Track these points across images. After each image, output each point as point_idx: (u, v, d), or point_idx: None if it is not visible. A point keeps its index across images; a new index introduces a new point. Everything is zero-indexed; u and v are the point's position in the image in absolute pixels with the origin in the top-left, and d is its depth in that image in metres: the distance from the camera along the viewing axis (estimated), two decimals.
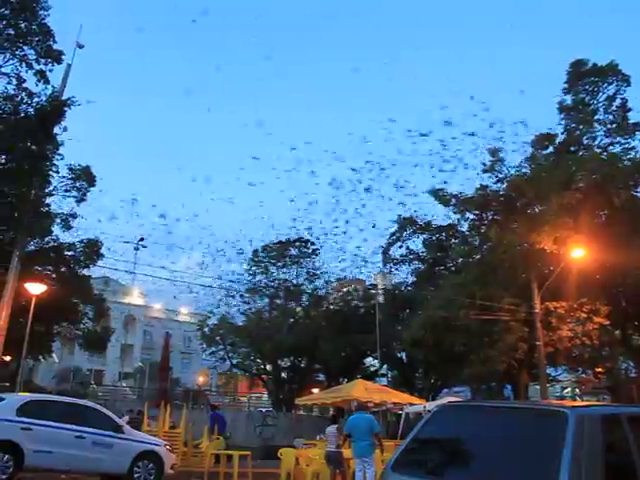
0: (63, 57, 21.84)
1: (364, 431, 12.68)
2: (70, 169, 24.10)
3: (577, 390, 47.13)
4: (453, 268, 36.99)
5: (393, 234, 40.16)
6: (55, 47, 21.42)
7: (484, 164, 31.35)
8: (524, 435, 4.68)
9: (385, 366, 43.23)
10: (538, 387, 29.99)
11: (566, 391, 48.44)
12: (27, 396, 15.09)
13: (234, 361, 47.89)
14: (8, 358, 28.35)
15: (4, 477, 12.25)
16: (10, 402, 13.38)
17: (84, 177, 24.64)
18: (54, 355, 44.12)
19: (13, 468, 12.47)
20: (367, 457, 12.66)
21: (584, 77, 30.41)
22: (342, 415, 16.92)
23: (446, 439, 5.29)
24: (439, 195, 34.22)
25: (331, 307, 45.79)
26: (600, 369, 31.26)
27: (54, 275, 26.62)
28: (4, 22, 20.43)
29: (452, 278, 32.51)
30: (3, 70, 20.82)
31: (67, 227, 26.19)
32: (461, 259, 35.43)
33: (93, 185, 25.15)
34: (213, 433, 20.61)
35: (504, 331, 27.49)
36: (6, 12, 20.34)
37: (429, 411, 5.84)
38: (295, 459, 17.15)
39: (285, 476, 16.75)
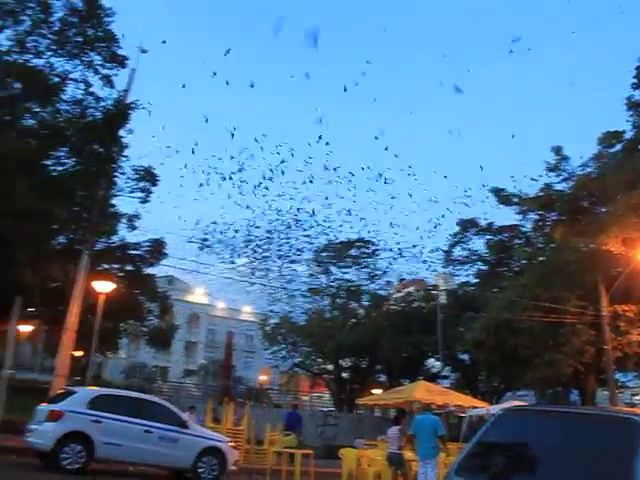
0: (127, 62, 22.46)
1: (429, 433, 12.50)
2: (134, 170, 24.80)
3: None
4: (516, 269, 36.24)
5: (455, 235, 39.69)
6: (119, 52, 22.05)
7: (548, 163, 30.56)
8: (592, 443, 4.53)
9: (447, 368, 42.71)
10: (606, 393, 29.05)
11: (636, 398, 46.71)
12: (97, 390, 15.63)
13: (296, 360, 48.23)
14: (79, 353, 29.37)
15: (77, 467, 12.74)
16: (82, 395, 13.91)
17: (147, 178, 25.30)
18: (121, 351, 45.40)
19: (86, 458, 12.96)
20: (430, 459, 12.49)
21: None
22: (404, 416, 16.77)
23: (511, 444, 5.17)
24: (501, 195, 33.56)
25: (392, 307, 45.53)
26: None
27: (120, 273, 27.38)
28: (74, 30, 21.14)
29: (515, 279, 31.87)
30: (72, 76, 21.56)
31: (132, 227, 26.98)
32: (524, 260, 34.66)
33: (155, 185, 25.79)
34: (288, 430, 20.87)
35: (570, 334, 26.76)
36: (75, 20, 21.04)
37: (493, 415, 5.71)
38: (356, 459, 17.12)
39: (347, 476, 16.74)
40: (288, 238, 42.49)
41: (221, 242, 41.61)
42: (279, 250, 42.64)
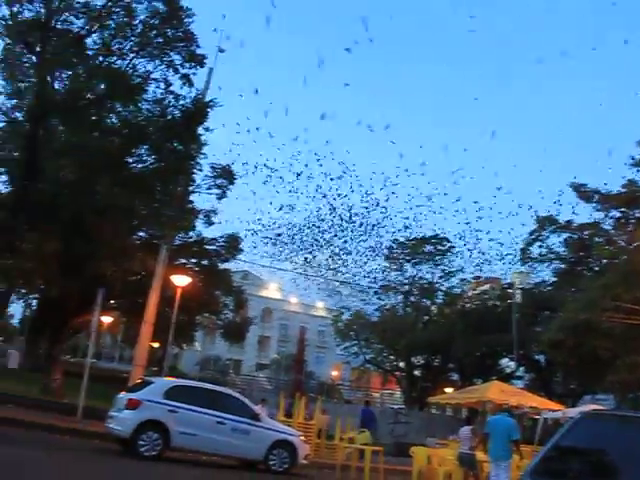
0: (205, 61, 22.94)
1: (503, 435, 12.19)
2: (212, 167, 25.33)
3: None
4: (596, 268, 35.00)
5: (532, 232, 38.68)
6: (198, 52, 22.54)
7: (632, 157, 29.31)
8: None
9: (522, 368, 41.76)
10: None
11: None
12: (173, 381, 16.11)
13: (367, 356, 48.28)
14: (156, 345, 30.31)
15: (154, 454, 13.18)
16: (158, 385, 14.37)
17: (224, 175, 25.81)
18: (196, 344, 46.61)
19: (162, 446, 13.38)
20: (503, 462, 12.17)
21: None
22: (476, 416, 16.50)
23: (589, 449, 5.02)
24: (581, 190, 32.45)
25: (466, 305, 44.89)
26: None
27: (197, 268, 28.01)
28: (155, 31, 21.79)
29: (595, 279, 30.78)
30: (153, 76, 22.22)
31: (209, 223, 27.56)
32: (605, 259, 33.41)
33: (233, 183, 26.29)
34: (363, 427, 20.96)
35: None
36: (156, 22, 21.67)
37: (570, 418, 5.57)
38: (427, 458, 16.98)
39: (417, 474, 16.61)
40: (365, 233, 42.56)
41: (294, 239, 42.06)
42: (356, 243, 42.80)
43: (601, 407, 22.14)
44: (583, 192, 32.43)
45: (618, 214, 32.03)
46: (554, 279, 39.40)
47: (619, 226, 32.66)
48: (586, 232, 36.07)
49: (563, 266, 38.77)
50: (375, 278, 44.59)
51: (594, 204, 32.41)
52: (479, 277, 46.97)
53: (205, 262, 28.89)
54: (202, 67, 22.86)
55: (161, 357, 29.44)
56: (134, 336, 25.03)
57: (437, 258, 45.00)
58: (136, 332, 23.16)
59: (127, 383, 19.08)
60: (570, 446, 5.10)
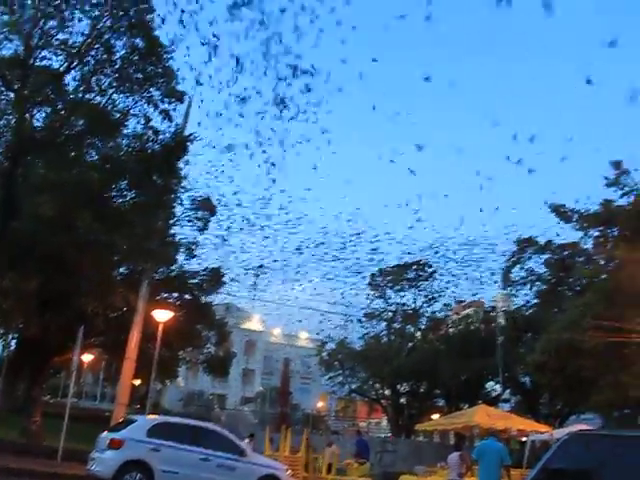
0: (185, 96, 23.14)
1: (493, 460, 12.09)
2: (192, 200, 25.38)
3: None
4: (578, 288, 35.30)
5: (512, 255, 39.00)
6: (178, 87, 22.76)
7: (607, 178, 29.81)
8: None
9: (508, 391, 41.78)
10: None
11: None
12: (156, 418, 15.89)
13: (353, 386, 47.99)
14: (138, 382, 29.89)
15: None
16: (141, 424, 14.15)
17: (205, 207, 25.86)
18: (180, 379, 46.02)
19: None
20: None
21: None
22: (464, 442, 16.42)
23: (577, 470, 5.03)
24: (560, 211, 32.86)
25: (450, 330, 44.96)
26: None
27: (178, 302, 27.82)
28: (133, 67, 21.98)
29: (577, 299, 31.03)
30: (133, 111, 22.37)
31: (190, 256, 27.49)
32: (586, 279, 33.73)
33: (214, 214, 26.35)
34: (358, 457, 20.85)
35: (637, 354, 25.81)
36: (135, 58, 21.87)
37: (557, 439, 5.57)
38: None
39: None
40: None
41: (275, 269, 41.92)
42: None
43: (587, 427, 22.16)
44: (562, 212, 32.81)
45: (597, 233, 32.45)
46: (536, 300, 39.62)
47: (598, 245, 33.06)
48: (566, 252, 36.47)
49: (544, 287, 39.06)
50: (358, 306, 44.72)
51: (573, 224, 32.80)
52: (462, 301, 47.23)
53: (187, 296, 28.72)
54: (182, 103, 23.09)
55: (144, 394, 29.04)
56: (116, 374, 24.75)
57: (420, 284, 45.22)
58: (118, 369, 22.89)
59: (109, 422, 18.79)
60: (558, 468, 5.11)
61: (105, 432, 14.41)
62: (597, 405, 31.46)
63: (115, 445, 13.23)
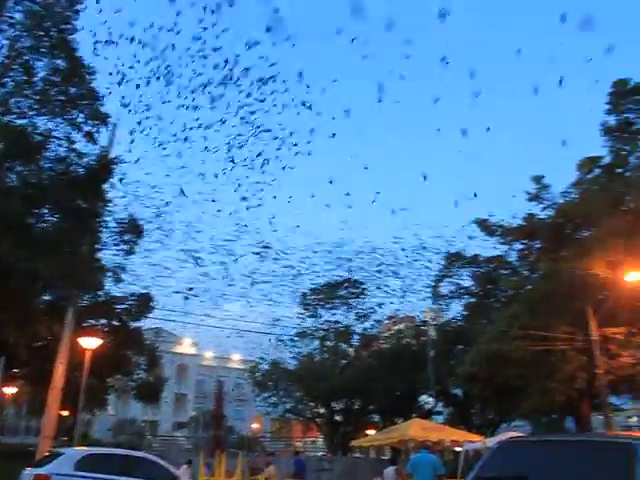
0: (109, 119, 22.73)
1: (427, 472, 12.29)
2: (117, 222, 24.81)
3: None
4: (504, 299, 36.35)
5: (441, 270, 39.81)
6: (102, 109, 22.33)
7: (528, 192, 30.99)
8: (590, 469, 4.53)
9: (440, 403, 42.41)
10: (601, 417, 28.92)
11: (632, 420, 46.58)
12: (85, 450, 15.29)
13: (287, 406, 47.65)
14: (65, 413, 28.76)
15: None
16: (68, 456, 13.57)
17: (131, 230, 25.31)
18: (109, 408, 44.64)
19: None
20: None
21: (627, 97, 29.95)
22: (400, 456, 16.60)
23: (509, 477, 5.15)
24: (484, 225, 33.84)
25: (382, 346, 45.38)
26: None
27: (106, 328, 27.08)
28: (55, 89, 21.40)
29: (503, 310, 31.92)
30: (55, 134, 21.73)
31: (118, 280, 26.79)
32: (512, 290, 34.80)
33: (140, 237, 25.81)
34: (296, 477, 20.76)
35: (561, 361, 26.76)
36: (57, 79, 21.32)
37: (489, 448, 5.70)
38: None
39: None
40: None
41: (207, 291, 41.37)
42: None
43: (518, 434, 22.78)
44: (487, 226, 33.80)
45: (520, 246, 33.58)
46: (465, 313, 40.50)
47: (522, 257, 34.21)
48: (492, 265, 37.53)
49: (473, 300, 40.00)
50: (290, 326, 44.59)
51: (498, 237, 33.83)
52: (393, 317, 47.77)
53: (115, 322, 27.98)
54: (106, 125, 22.64)
55: (71, 425, 27.89)
56: (41, 406, 23.68)
57: (351, 301, 45.53)
58: (43, 401, 21.94)
59: (34, 458, 17.95)
60: (490, 476, 5.22)
61: (29, 468, 13.75)
62: (526, 412, 32.40)
63: None
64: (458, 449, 28.90)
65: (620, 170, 29.60)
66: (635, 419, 46.16)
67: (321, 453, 45.67)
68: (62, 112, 21.57)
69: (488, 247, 36.71)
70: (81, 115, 21.88)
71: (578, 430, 29.59)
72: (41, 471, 12.95)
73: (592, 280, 25.66)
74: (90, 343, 21.08)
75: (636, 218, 25.38)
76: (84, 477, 12.89)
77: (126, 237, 25.08)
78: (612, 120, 30.33)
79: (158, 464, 14.64)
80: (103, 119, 22.32)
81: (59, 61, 21.32)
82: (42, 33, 20.93)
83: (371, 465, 32.88)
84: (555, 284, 26.68)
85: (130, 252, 25.59)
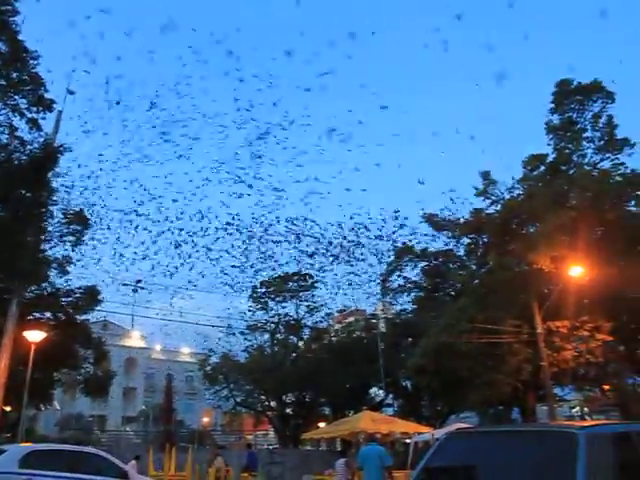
0: (54, 105, 22.08)
1: (375, 464, 12.45)
2: (64, 213, 24.18)
3: (586, 409, 46.70)
4: (452, 293, 36.90)
5: (390, 264, 40.08)
6: (47, 95, 21.66)
7: (476, 188, 31.49)
8: (535, 458, 4.62)
9: (391, 396, 42.88)
10: (546, 408, 29.71)
11: (574, 410, 47.97)
12: (29, 447, 14.89)
13: (238, 399, 47.49)
14: (8, 408, 27.99)
15: None
16: (12, 454, 13.20)
17: (78, 221, 24.71)
18: (55, 403, 43.63)
19: None
20: None
21: (570, 96, 30.76)
22: (350, 448, 16.73)
23: (456, 467, 5.22)
24: (433, 220, 34.27)
25: (333, 339, 45.60)
26: (607, 386, 30.97)
27: (52, 321, 26.43)
28: None
29: (452, 304, 32.41)
30: None
31: (64, 272, 26.15)
32: (460, 284, 35.35)
33: (87, 228, 25.23)
34: (249, 470, 20.70)
35: (507, 353, 27.35)
36: None
37: (437, 439, 5.77)
38: None
39: None
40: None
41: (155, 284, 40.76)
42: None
43: (465, 425, 23.21)
44: (435, 222, 34.22)
45: (468, 240, 34.13)
46: (414, 306, 40.94)
47: (470, 252, 34.79)
48: (440, 259, 38.03)
49: (422, 294, 40.46)
50: (241, 318, 44.35)
51: (446, 232, 34.31)
52: (343, 310, 48.01)
53: (61, 315, 27.32)
54: (51, 111, 21.98)
55: (15, 421, 27.16)
56: None
57: (301, 294, 45.60)
58: None
59: None
60: (438, 466, 5.28)
61: None
62: (474, 404, 33.01)
63: None
64: (408, 441, 29.31)
65: (564, 167, 30.43)
66: (578, 409, 47.54)
67: (272, 446, 45.61)
68: (3, 97, 20.87)
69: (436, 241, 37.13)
70: (24, 101, 21.21)
71: (524, 420, 30.34)
72: None
73: (537, 274, 26.32)
74: (35, 336, 20.58)
75: (579, 214, 26.10)
76: (29, 474, 12.56)
77: (72, 228, 24.49)
78: (556, 119, 31.15)
79: (106, 459, 14.40)
80: (48, 105, 21.68)
81: (0, 44, 20.61)
82: None
83: (322, 457, 33.03)
84: (502, 278, 27.26)
85: (77, 244, 25.01)
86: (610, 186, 27.13)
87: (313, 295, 45.69)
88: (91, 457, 14.36)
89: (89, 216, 25.74)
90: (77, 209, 25.15)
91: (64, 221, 24.17)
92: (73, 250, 25.44)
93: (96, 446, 24.81)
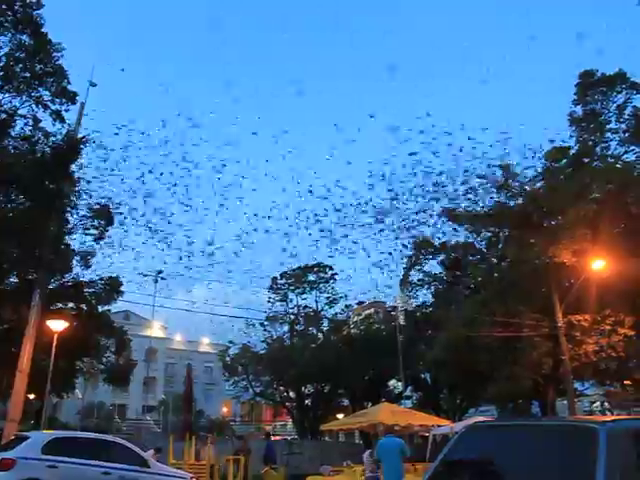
0: (77, 97, 22.26)
1: (395, 455, 12.45)
2: (89, 208, 24.39)
3: (606, 404, 46.28)
4: (472, 286, 36.68)
5: (410, 258, 39.91)
6: (69, 87, 21.84)
7: (497, 181, 31.18)
8: (555, 453, 4.59)
9: (409, 388, 42.84)
10: (566, 402, 29.49)
11: (595, 405, 47.56)
12: (52, 434, 15.11)
13: (257, 390, 47.79)
14: (32, 396, 28.44)
15: None
16: (35, 440, 13.41)
17: (102, 216, 24.91)
18: (77, 391, 44.24)
19: None
20: None
21: (593, 87, 30.31)
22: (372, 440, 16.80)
23: (475, 460, 5.20)
24: (452, 214, 34.04)
25: (352, 331, 45.64)
26: (628, 381, 30.64)
27: (75, 312, 26.76)
28: (20, 65, 20.87)
29: (472, 297, 32.23)
30: (20, 112, 21.23)
31: (86, 265, 26.44)
32: (480, 277, 35.11)
33: (111, 224, 25.43)
34: (269, 462, 20.82)
35: (528, 347, 27.16)
36: (22, 55, 20.78)
37: (456, 432, 5.76)
38: None
39: None
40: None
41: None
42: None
43: (484, 418, 23.15)
44: (455, 215, 33.95)
45: (489, 234, 33.84)
46: (434, 300, 40.76)
47: (490, 245, 34.51)
48: (460, 251, 37.75)
49: (441, 287, 40.28)
50: (261, 310, 44.60)
51: (466, 225, 34.02)
52: (363, 302, 48.01)
53: (84, 305, 27.66)
54: (74, 103, 22.17)
55: (39, 409, 27.58)
56: (7, 389, 23.35)
57: (321, 286, 45.70)
58: (9, 384, 21.64)
59: (0, 441, 17.74)
60: (458, 459, 5.28)
61: None
62: (493, 397, 32.88)
63: (6, 466, 12.39)
64: (426, 434, 29.29)
65: (587, 160, 30.02)
66: (598, 404, 47.13)
67: (291, 437, 45.86)
68: (27, 89, 21.06)
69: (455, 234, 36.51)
70: (47, 93, 21.40)
71: (543, 415, 30.15)
72: (7, 455, 12.76)
73: (558, 268, 26.07)
74: (58, 326, 20.84)
75: (602, 207, 25.79)
76: (51, 460, 12.77)
77: (96, 222, 24.72)
78: (579, 110, 30.74)
79: (126, 447, 14.60)
80: (71, 97, 21.86)
81: (24, 37, 20.78)
82: (5, 7, 20.35)
83: (340, 449, 33.17)
84: (522, 271, 27.05)
85: (100, 238, 25.26)
86: (633, 178, 26.73)
87: (332, 287, 45.86)
88: (112, 445, 14.53)
89: (112, 212, 25.81)
90: (102, 204, 25.33)
91: (89, 215, 24.40)
92: (97, 244, 25.70)
93: (116, 434, 25.10)
